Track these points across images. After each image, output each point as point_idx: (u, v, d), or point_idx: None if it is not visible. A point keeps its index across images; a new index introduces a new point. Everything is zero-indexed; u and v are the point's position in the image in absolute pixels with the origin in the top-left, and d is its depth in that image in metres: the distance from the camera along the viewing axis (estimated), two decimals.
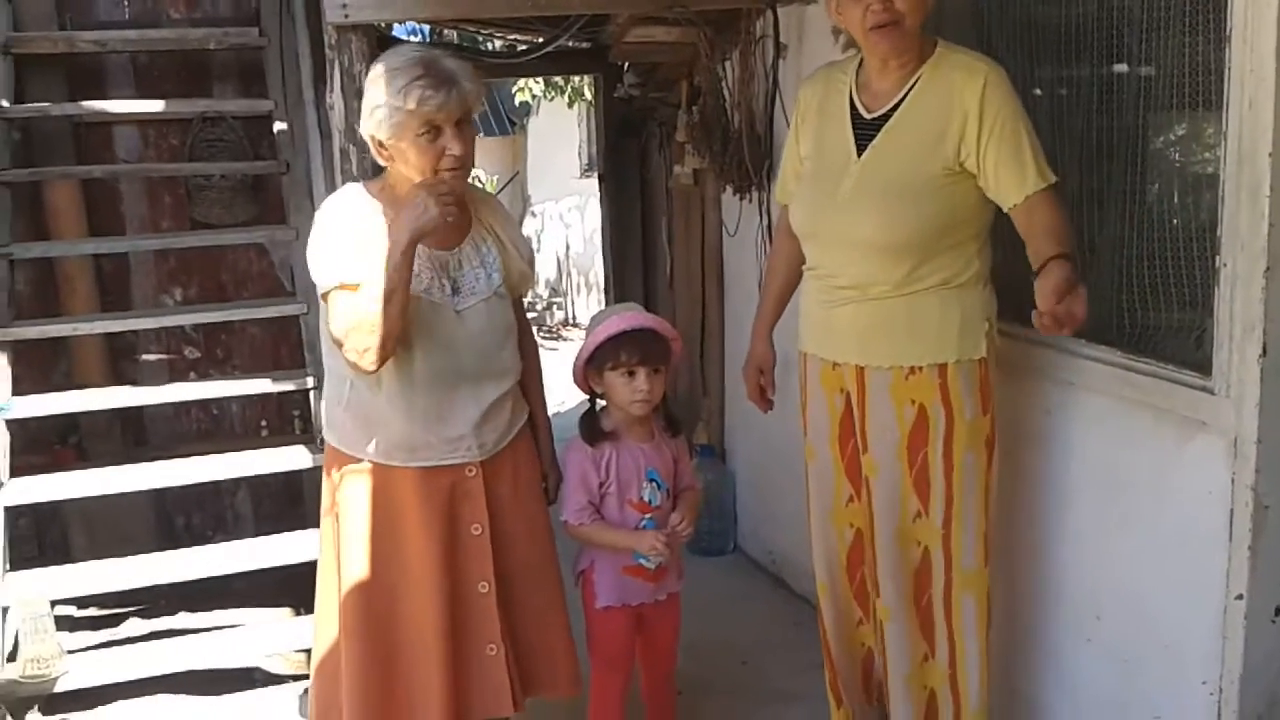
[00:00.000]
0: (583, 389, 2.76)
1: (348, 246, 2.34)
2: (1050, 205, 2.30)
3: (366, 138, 2.35)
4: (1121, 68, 2.46)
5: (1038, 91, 2.69)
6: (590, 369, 2.69)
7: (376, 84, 2.29)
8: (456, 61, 2.33)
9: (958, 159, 2.34)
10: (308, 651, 2.88)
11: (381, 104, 2.26)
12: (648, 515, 2.70)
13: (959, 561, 2.48)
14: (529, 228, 12.84)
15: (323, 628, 2.57)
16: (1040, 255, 2.20)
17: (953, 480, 2.44)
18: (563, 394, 2.79)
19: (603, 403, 2.75)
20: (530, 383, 2.67)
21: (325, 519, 2.56)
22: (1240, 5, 2.01)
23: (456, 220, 2.39)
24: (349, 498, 2.46)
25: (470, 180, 2.48)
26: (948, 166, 2.35)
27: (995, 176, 2.32)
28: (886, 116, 2.43)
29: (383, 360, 2.30)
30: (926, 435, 2.44)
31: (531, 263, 2.61)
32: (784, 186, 2.73)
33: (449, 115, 2.28)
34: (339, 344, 2.33)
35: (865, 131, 2.46)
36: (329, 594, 2.54)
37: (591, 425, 2.72)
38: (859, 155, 2.45)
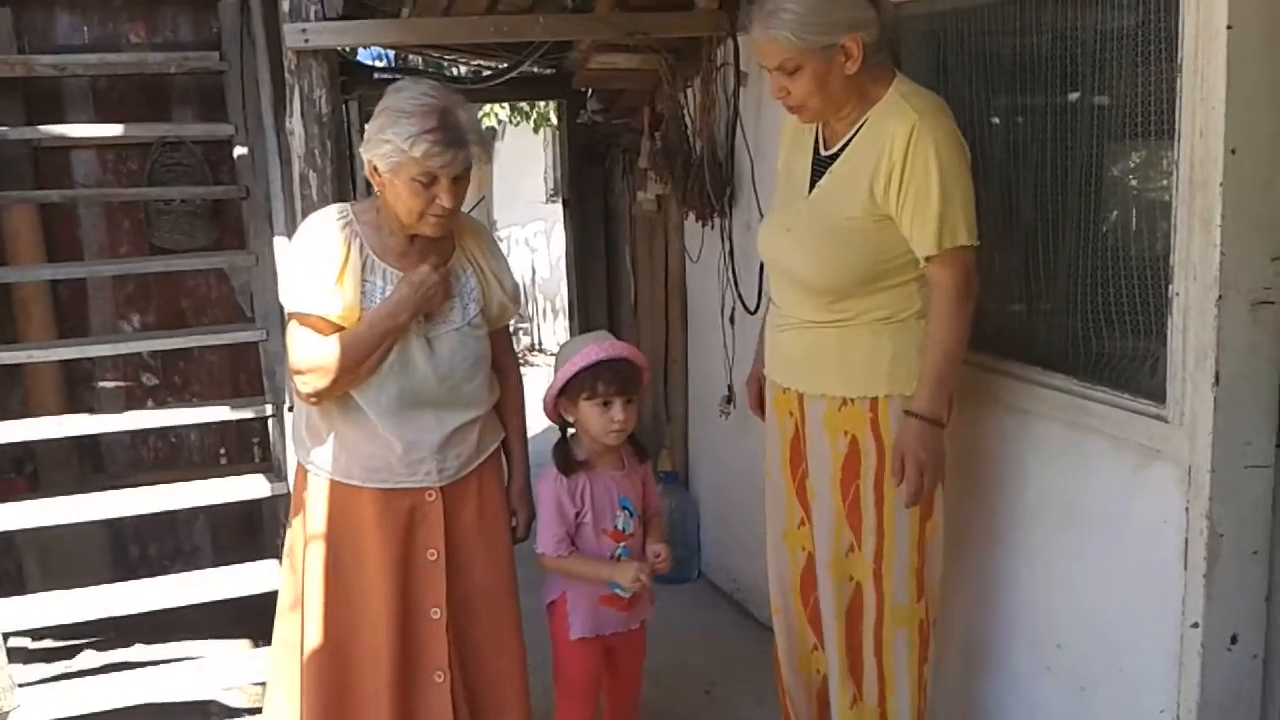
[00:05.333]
0: (553, 419, 2.74)
1: (322, 272, 2.36)
2: (946, 284, 2.32)
3: (363, 157, 2.36)
4: (1076, 96, 2.49)
5: (995, 120, 2.71)
6: (563, 399, 2.67)
7: (390, 117, 2.28)
8: (469, 115, 2.35)
9: (882, 205, 2.35)
10: (264, 685, 2.84)
11: (389, 140, 2.27)
12: (622, 544, 2.69)
13: (890, 597, 2.48)
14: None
15: (280, 647, 2.59)
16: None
17: (883, 514, 2.44)
18: (528, 420, 2.78)
19: (572, 431, 2.73)
20: (511, 416, 2.67)
21: (292, 534, 2.57)
22: (1190, 36, 2.03)
23: (439, 249, 2.46)
24: (313, 515, 2.48)
25: None
26: (873, 212, 2.36)
27: (909, 230, 2.33)
28: (836, 156, 2.44)
29: (325, 400, 2.38)
30: (858, 468, 2.45)
31: (515, 297, 2.61)
32: None
33: (449, 171, 2.31)
34: (295, 371, 2.37)
35: (820, 168, 2.47)
36: (289, 612, 2.55)
37: (566, 455, 2.70)
38: (809, 192, 2.48)
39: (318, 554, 2.46)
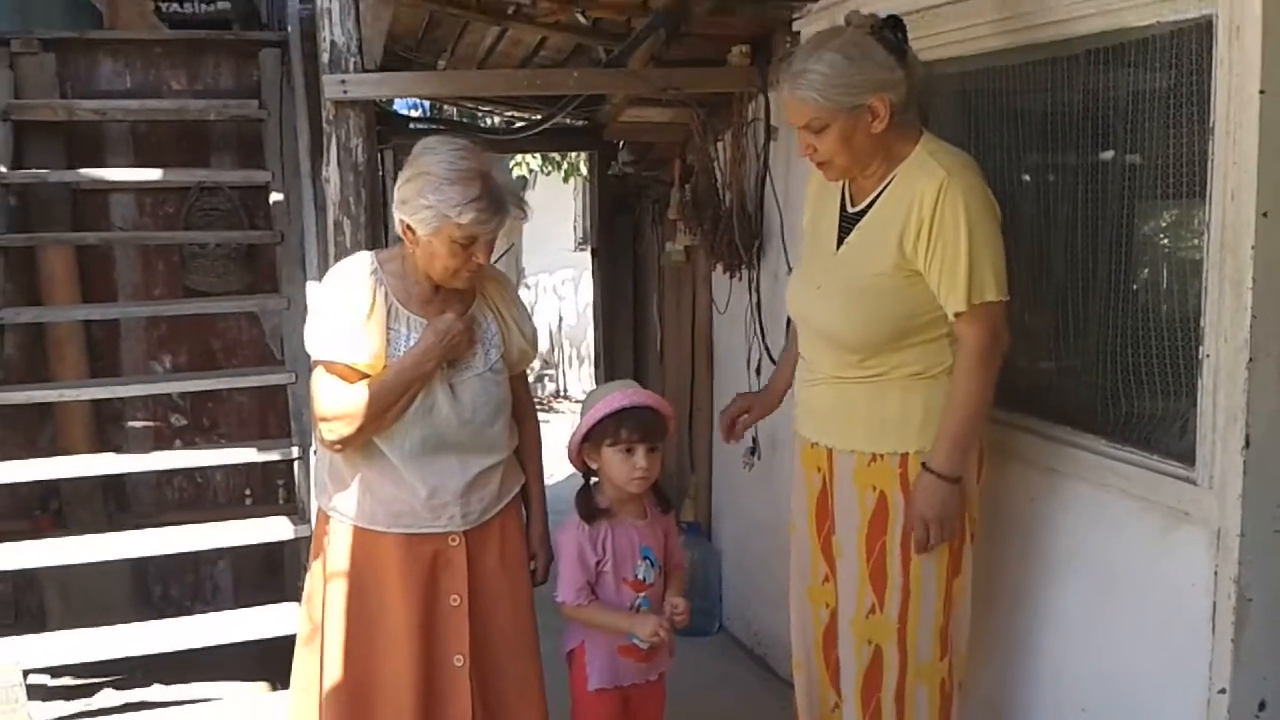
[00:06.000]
0: (577, 465, 2.74)
1: (349, 320, 2.38)
2: (972, 341, 2.31)
3: (396, 218, 2.38)
4: (1108, 155, 2.49)
5: (1026, 178, 2.72)
6: (587, 445, 2.67)
7: (429, 182, 2.29)
8: (504, 175, 2.39)
9: (910, 260, 2.35)
10: None
11: (430, 205, 2.29)
12: (642, 594, 2.68)
13: (914, 656, 2.44)
14: (523, 299, 12.85)
15: (299, 692, 2.57)
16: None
17: (910, 572, 2.41)
18: (552, 467, 2.79)
19: (595, 479, 2.73)
20: (529, 461, 2.69)
21: (312, 580, 2.56)
22: (1223, 99, 2.03)
23: (461, 296, 2.48)
24: (334, 560, 2.48)
25: None
26: (903, 267, 2.36)
27: (937, 287, 2.33)
28: (863, 213, 2.44)
29: (349, 447, 2.39)
30: (885, 523, 2.43)
31: (534, 342, 2.65)
32: None
33: (490, 234, 2.35)
34: (320, 419, 2.38)
35: (847, 225, 2.48)
36: (308, 656, 2.54)
37: (588, 503, 2.70)
38: (837, 249, 2.48)
39: (339, 600, 2.46)
